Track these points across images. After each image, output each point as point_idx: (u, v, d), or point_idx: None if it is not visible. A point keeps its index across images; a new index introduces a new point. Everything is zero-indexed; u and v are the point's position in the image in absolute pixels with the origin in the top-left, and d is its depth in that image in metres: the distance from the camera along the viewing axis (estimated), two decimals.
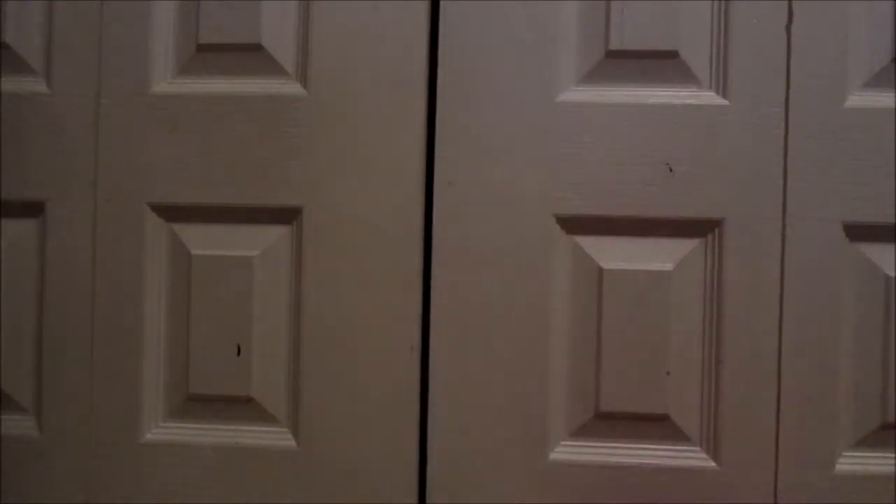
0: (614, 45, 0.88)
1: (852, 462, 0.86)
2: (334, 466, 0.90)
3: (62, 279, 0.92)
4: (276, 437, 0.91)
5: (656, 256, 0.87)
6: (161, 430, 0.92)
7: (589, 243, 0.88)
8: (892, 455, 0.85)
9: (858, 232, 0.85)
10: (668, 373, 0.87)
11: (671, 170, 0.86)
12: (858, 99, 0.85)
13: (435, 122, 0.88)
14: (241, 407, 0.91)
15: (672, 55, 0.87)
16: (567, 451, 0.88)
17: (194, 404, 0.92)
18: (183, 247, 0.92)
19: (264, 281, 0.91)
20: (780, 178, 0.86)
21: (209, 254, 0.91)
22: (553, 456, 0.88)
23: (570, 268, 0.88)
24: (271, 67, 0.90)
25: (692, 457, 0.87)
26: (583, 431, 0.88)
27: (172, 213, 0.92)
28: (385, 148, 0.88)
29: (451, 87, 0.88)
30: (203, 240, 0.92)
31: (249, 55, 0.90)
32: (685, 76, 0.87)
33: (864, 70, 0.86)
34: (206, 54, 0.91)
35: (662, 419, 0.87)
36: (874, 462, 0.86)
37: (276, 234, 0.91)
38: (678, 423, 0.87)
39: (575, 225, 0.88)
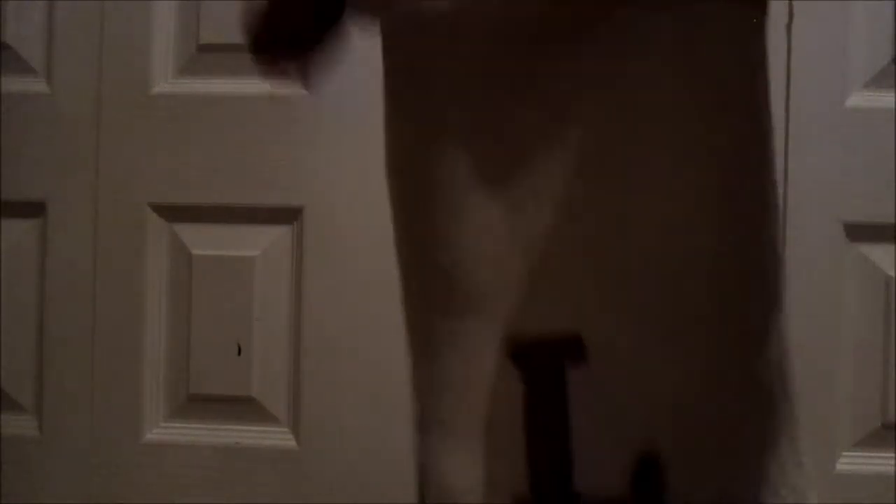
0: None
1: (852, 462, 0.86)
2: (334, 466, 0.90)
3: (63, 279, 0.92)
4: (276, 437, 0.91)
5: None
6: (161, 430, 0.92)
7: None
8: (892, 455, 0.85)
9: (858, 232, 0.85)
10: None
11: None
12: (858, 99, 0.85)
13: None
14: (241, 407, 0.91)
15: None
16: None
17: (195, 404, 0.92)
18: (183, 247, 0.92)
19: (264, 281, 0.91)
20: None
21: (209, 254, 0.91)
22: None
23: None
24: None
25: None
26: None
27: (173, 213, 0.92)
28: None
29: None
30: (203, 240, 0.91)
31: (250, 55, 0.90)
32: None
33: (864, 70, 0.86)
34: (207, 54, 0.91)
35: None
36: (874, 462, 0.86)
37: (276, 234, 0.91)
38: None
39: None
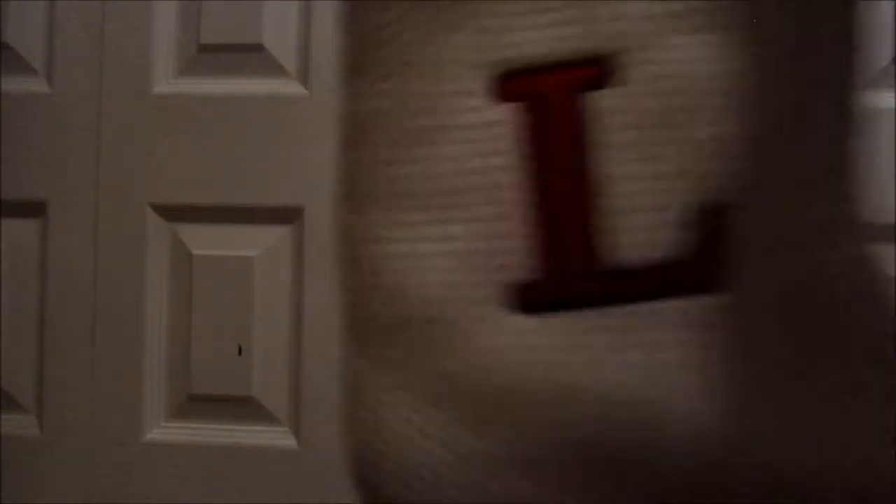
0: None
1: None
2: (334, 466, 0.89)
3: (63, 279, 0.92)
4: (276, 437, 0.91)
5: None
6: (162, 430, 0.92)
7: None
8: None
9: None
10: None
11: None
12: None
13: None
14: (241, 407, 0.91)
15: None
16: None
17: (195, 404, 0.92)
18: (183, 247, 0.92)
19: (265, 281, 0.91)
20: None
21: (210, 254, 0.91)
22: None
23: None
24: (272, 67, 0.91)
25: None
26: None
27: (173, 213, 0.92)
28: None
29: None
30: (203, 240, 0.92)
31: (250, 55, 0.91)
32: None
33: (864, 70, 0.86)
34: (208, 54, 0.91)
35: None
36: None
37: (276, 234, 0.91)
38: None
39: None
